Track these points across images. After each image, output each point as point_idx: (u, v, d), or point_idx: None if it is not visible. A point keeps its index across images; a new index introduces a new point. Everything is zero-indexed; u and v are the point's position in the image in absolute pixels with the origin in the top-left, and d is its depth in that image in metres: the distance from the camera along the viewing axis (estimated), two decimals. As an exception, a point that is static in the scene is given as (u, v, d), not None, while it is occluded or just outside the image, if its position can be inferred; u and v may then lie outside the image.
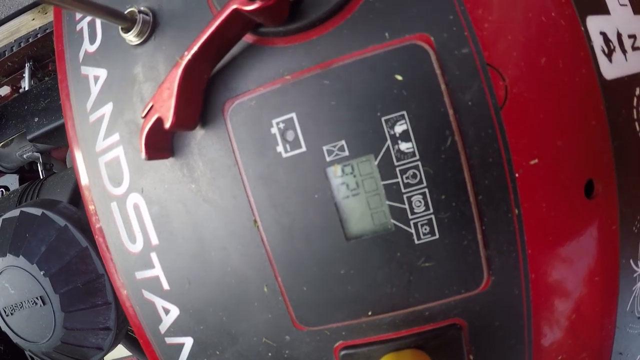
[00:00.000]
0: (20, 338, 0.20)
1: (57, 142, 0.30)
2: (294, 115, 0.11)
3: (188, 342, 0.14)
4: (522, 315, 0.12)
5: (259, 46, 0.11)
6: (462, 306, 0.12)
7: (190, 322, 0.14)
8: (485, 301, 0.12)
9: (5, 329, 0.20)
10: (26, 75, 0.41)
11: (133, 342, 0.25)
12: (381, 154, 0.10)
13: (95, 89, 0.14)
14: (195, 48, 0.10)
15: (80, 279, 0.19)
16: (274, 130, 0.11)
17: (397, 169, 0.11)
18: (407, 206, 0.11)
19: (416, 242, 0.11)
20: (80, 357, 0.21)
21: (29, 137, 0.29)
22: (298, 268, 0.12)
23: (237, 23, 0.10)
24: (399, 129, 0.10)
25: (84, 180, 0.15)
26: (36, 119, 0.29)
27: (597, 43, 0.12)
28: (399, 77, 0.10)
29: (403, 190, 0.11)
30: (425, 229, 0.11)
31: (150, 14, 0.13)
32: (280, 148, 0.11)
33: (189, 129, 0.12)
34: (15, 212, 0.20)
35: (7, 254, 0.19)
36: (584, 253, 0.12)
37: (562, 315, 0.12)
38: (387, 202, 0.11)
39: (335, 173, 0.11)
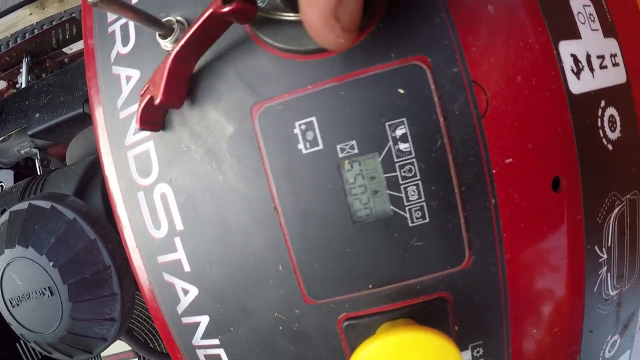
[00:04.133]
0: (26, 329, 0.22)
1: (56, 139, 0.33)
2: (314, 118, 0.15)
3: (204, 320, 0.18)
4: (499, 291, 0.16)
5: (285, 59, 0.15)
6: (447, 281, 0.16)
7: (208, 301, 0.18)
8: (467, 277, 0.16)
9: (9, 320, 0.22)
10: (23, 70, 0.44)
11: (133, 337, 0.29)
12: (384, 152, 0.15)
13: (127, 88, 0.18)
14: (182, 42, 0.14)
15: (88, 270, 0.22)
16: (297, 130, 0.15)
17: (397, 165, 0.15)
18: (403, 195, 0.15)
19: (410, 224, 0.15)
20: (84, 348, 0.23)
21: (30, 132, 0.31)
22: (311, 247, 0.16)
23: (215, 22, 0.14)
24: (399, 132, 0.15)
25: (109, 171, 0.19)
26: (37, 115, 0.31)
27: (567, 63, 0.17)
28: (401, 91, 0.15)
29: (400, 182, 0.15)
30: (418, 214, 0.15)
31: (186, 23, 0.17)
32: (301, 146, 0.15)
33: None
34: (23, 205, 0.22)
35: (16, 245, 0.21)
36: (551, 238, 0.16)
37: (534, 293, 0.17)
38: (387, 191, 0.15)
39: (345, 167, 0.15)
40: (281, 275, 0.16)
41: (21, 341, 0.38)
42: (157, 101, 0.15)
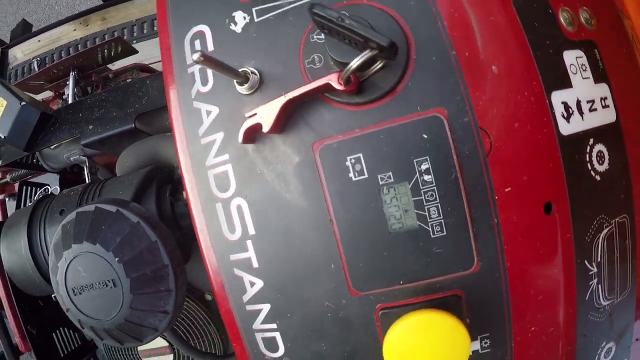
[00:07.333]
0: (85, 315, 0.26)
1: (106, 149, 0.39)
2: (361, 155, 0.22)
3: (265, 308, 0.26)
4: (502, 292, 0.23)
5: (340, 108, 0.23)
6: (460, 282, 0.23)
7: (271, 291, 0.25)
8: (476, 279, 0.23)
9: (69, 306, 0.26)
10: (70, 83, 0.52)
11: (176, 334, 0.35)
12: (412, 181, 0.22)
13: (207, 120, 0.26)
14: (295, 93, 0.22)
15: (149, 267, 0.26)
16: (348, 163, 0.23)
17: (422, 191, 0.22)
18: (427, 214, 0.22)
19: (432, 236, 0.22)
20: (136, 336, 0.27)
21: (83, 142, 0.37)
22: (357, 250, 0.23)
23: (324, 87, 0.22)
24: (424, 167, 0.22)
25: (190, 185, 0.27)
26: (90, 127, 0.37)
27: (559, 110, 0.24)
28: (425, 135, 0.22)
29: (425, 204, 0.22)
30: (438, 229, 0.22)
31: (258, 73, 0.25)
32: (351, 174, 0.23)
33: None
34: (90, 207, 0.27)
35: (84, 242, 0.26)
36: (545, 251, 0.23)
37: (532, 295, 0.24)
38: (415, 211, 0.22)
39: (383, 192, 0.22)
40: (332, 272, 0.24)
41: (57, 331, 0.45)
42: (266, 130, 0.23)
